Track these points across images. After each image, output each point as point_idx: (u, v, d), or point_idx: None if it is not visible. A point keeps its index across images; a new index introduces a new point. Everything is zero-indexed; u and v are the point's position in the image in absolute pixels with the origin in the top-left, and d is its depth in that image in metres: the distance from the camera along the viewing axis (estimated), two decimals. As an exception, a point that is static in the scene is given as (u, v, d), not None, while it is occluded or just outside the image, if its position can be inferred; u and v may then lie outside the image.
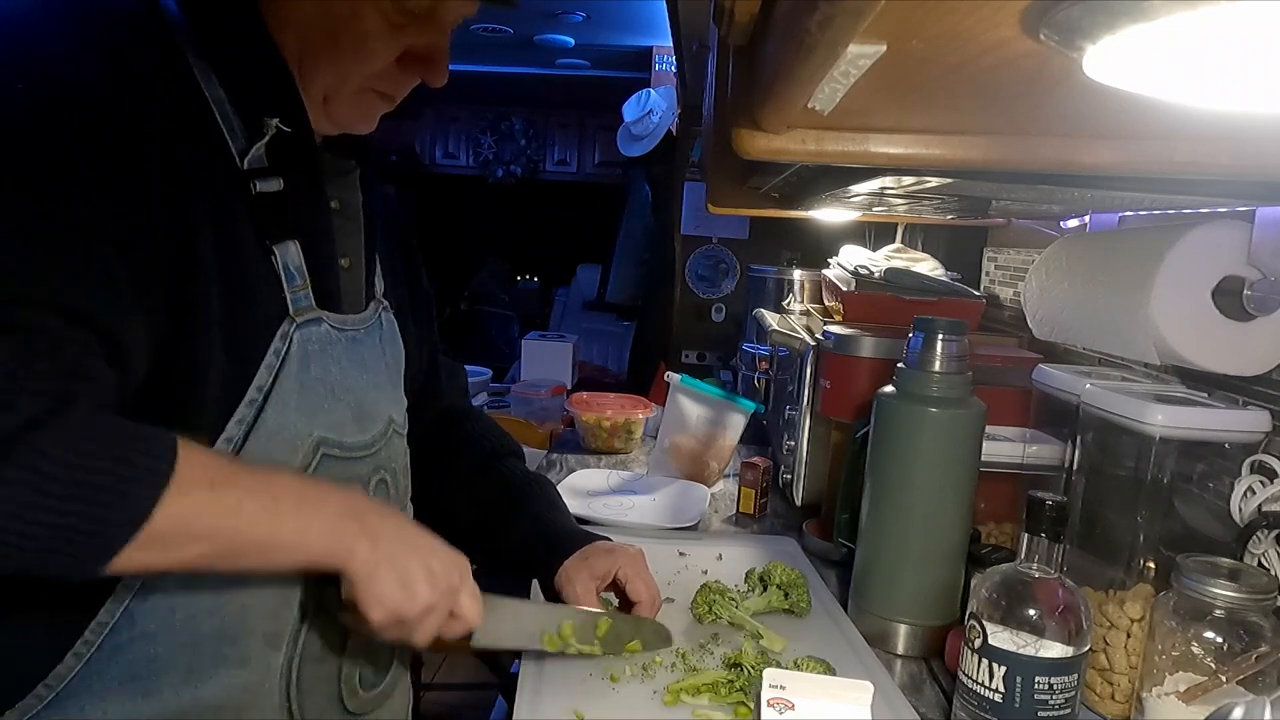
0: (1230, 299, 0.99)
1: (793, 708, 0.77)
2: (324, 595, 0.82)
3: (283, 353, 0.81)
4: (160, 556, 0.67)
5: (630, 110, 3.68)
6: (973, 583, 0.97)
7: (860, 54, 0.44)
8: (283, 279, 0.81)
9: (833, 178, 1.03)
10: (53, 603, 0.74)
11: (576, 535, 1.12)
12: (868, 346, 1.47)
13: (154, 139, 0.72)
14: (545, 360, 3.53)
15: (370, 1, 0.79)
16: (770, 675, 0.79)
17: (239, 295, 0.77)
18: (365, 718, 0.96)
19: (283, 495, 0.73)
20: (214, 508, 0.68)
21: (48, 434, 0.62)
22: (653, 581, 1.09)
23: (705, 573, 1.34)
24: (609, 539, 1.13)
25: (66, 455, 0.62)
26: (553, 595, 1.07)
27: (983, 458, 1.14)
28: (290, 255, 0.82)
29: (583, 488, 1.74)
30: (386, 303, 0.99)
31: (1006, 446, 1.25)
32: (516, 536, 1.11)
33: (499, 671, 2.46)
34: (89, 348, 0.68)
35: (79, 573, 0.65)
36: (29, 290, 0.65)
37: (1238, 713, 0.66)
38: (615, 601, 1.10)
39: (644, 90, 3.68)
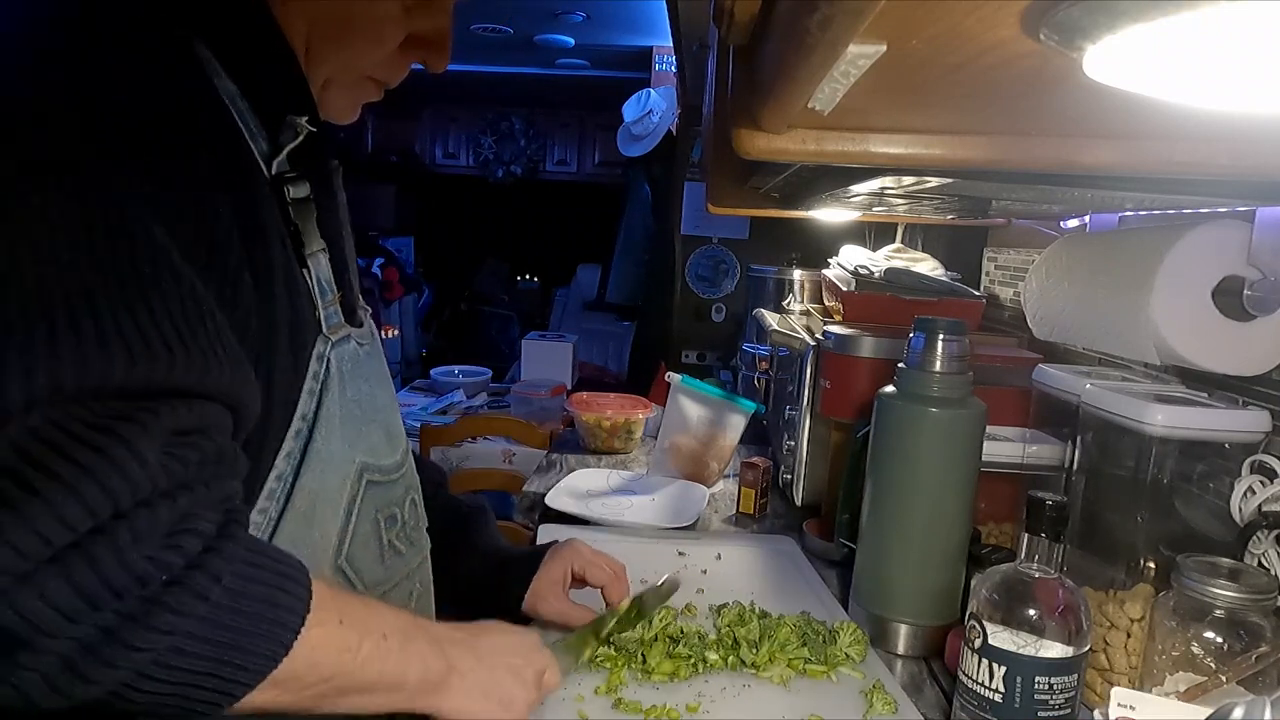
0: (1230, 299, 0.99)
1: None
2: None
3: (321, 375, 0.75)
4: (274, 697, 0.62)
5: (630, 110, 3.68)
6: (973, 583, 0.97)
7: (860, 54, 0.44)
8: (316, 295, 0.76)
9: (833, 178, 1.03)
10: None
11: (524, 556, 1.11)
12: (868, 346, 1.47)
13: (197, 151, 0.65)
14: (545, 360, 3.52)
15: None
16: (1118, 695, 0.79)
17: (288, 320, 0.72)
18: None
19: (390, 632, 0.70)
20: (341, 646, 0.66)
21: (222, 556, 0.57)
22: (607, 558, 1.09)
23: (705, 572, 1.34)
24: (541, 549, 1.12)
25: (235, 582, 0.58)
26: (522, 619, 1.06)
27: (983, 458, 1.14)
28: (321, 268, 0.77)
29: (582, 488, 1.74)
30: (369, 308, 0.93)
31: (1006, 446, 1.25)
32: (469, 567, 1.09)
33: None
34: (232, 434, 0.63)
35: (202, 713, 0.60)
36: (178, 375, 0.57)
37: (1238, 713, 0.65)
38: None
39: (644, 90, 3.68)
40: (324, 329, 0.76)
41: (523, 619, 1.07)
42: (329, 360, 0.76)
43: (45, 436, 0.52)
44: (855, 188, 1.00)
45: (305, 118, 0.74)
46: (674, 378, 1.86)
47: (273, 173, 0.73)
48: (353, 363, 0.80)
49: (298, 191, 0.74)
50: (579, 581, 1.09)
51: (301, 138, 0.74)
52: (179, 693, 0.57)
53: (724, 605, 1.15)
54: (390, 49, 0.80)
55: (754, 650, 1.05)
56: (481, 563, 1.10)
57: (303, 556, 0.68)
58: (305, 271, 0.75)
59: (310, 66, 0.77)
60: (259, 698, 0.61)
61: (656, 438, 1.88)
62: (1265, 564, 0.94)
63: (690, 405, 1.83)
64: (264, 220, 0.70)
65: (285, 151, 0.73)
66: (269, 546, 0.64)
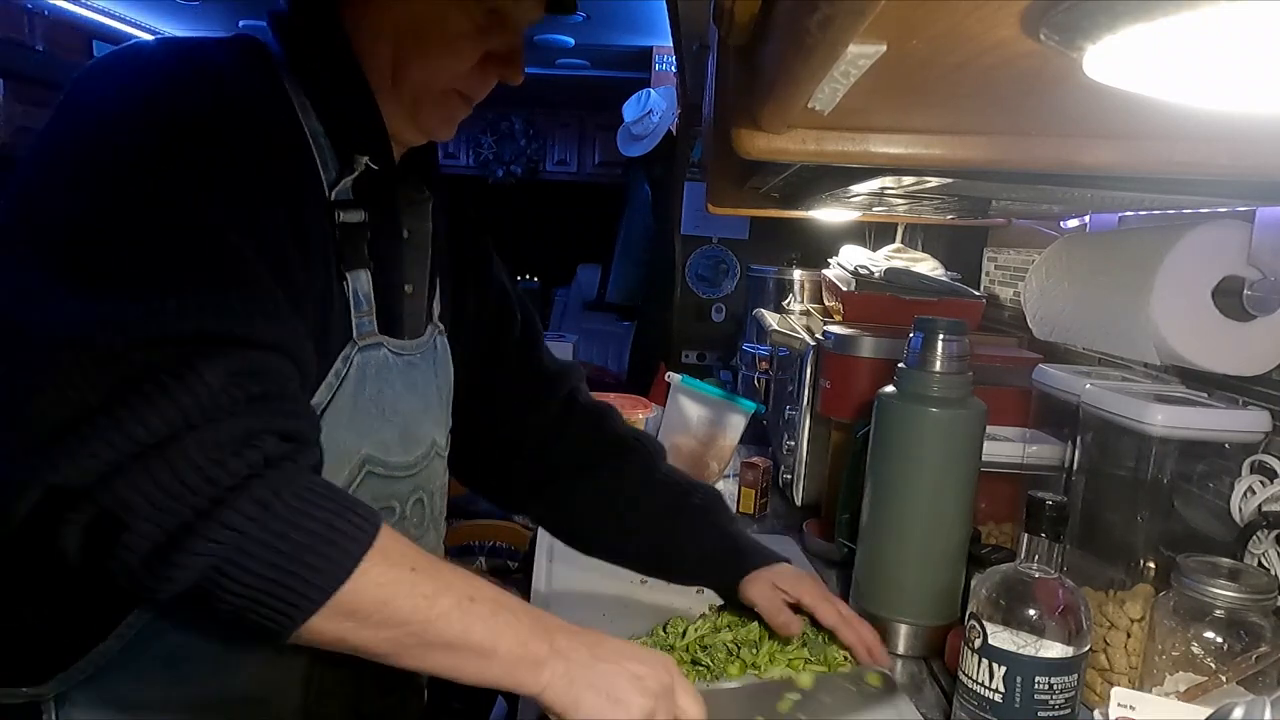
0: (1230, 299, 0.99)
1: None
2: None
3: (342, 374, 0.84)
4: (351, 630, 0.67)
5: (630, 110, 3.68)
6: (973, 583, 0.97)
7: (860, 54, 0.44)
8: (351, 305, 0.85)
9: (833, 178, 1.03)
10: (99, 585, 0.73)
11: (763, 550, 1.12)
12: (868, 346, 1.48)
13: (272, 171, 0.77)
14: (545, 360, 3.52)
15: (458, 6, 0.84)
16: (1118, 695, 0.80)
17: (320, 321, 0.82)
18: None
19: (480, 598, 0.71)
20: (411, 591, 0.68)
21: (283, 474, 0.65)
22: (845, 608, 1.06)
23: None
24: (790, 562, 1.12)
25: (294, 500, 0.65)
26: (736, 602, 1.09)
27: (983, 458, 1.14)
28: (361, 283, 0.86)
29: (583, 488, 1.73)
30: (442, 326, 1.01)
31: (1006, 446, 1.25)
32: (701, 546, 1.11)
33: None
34: (298, 382, 0.72)
35: (273, 632, 0.66)
36: (240, 327, 0.68)
37: (1238, 713, 0.65)
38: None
39: (644, 90, 3.68)
40: (354, 335, 0.86)
41: (734, 603, 1.10)
42: (353, 361, 0.86)
43: (141, 366, 0.64)
44: (855, 188, 1.00)
45: (367, 156, 0.85)
46: (674, 378, 1.86)
47: (331, 198, 0.84)
48: (378, 367, 0.89)
49: (349, 217, 0.85)
50: (803, 611, 1.06)
51: (357, 172, 0.85)
52: (252, 597, 0.64)
53: (724, 606, 1.15)
54: (467, 65, 0.87)
55: (754, 650, 1.05)
56: (717, 538, 1.11)
57: None
58: (344, 284, 0.85)
59: (398, 86, 0.86)
60: (332, 626, 0.66)
61: (656, 438, 1.88)
62: (1265, 564, 0.94)
63: (690, 405, 1.83)
64: (309, 235, 0.80)
65: (343, 182, 0.84)
66: (342, 491, 0.71)
